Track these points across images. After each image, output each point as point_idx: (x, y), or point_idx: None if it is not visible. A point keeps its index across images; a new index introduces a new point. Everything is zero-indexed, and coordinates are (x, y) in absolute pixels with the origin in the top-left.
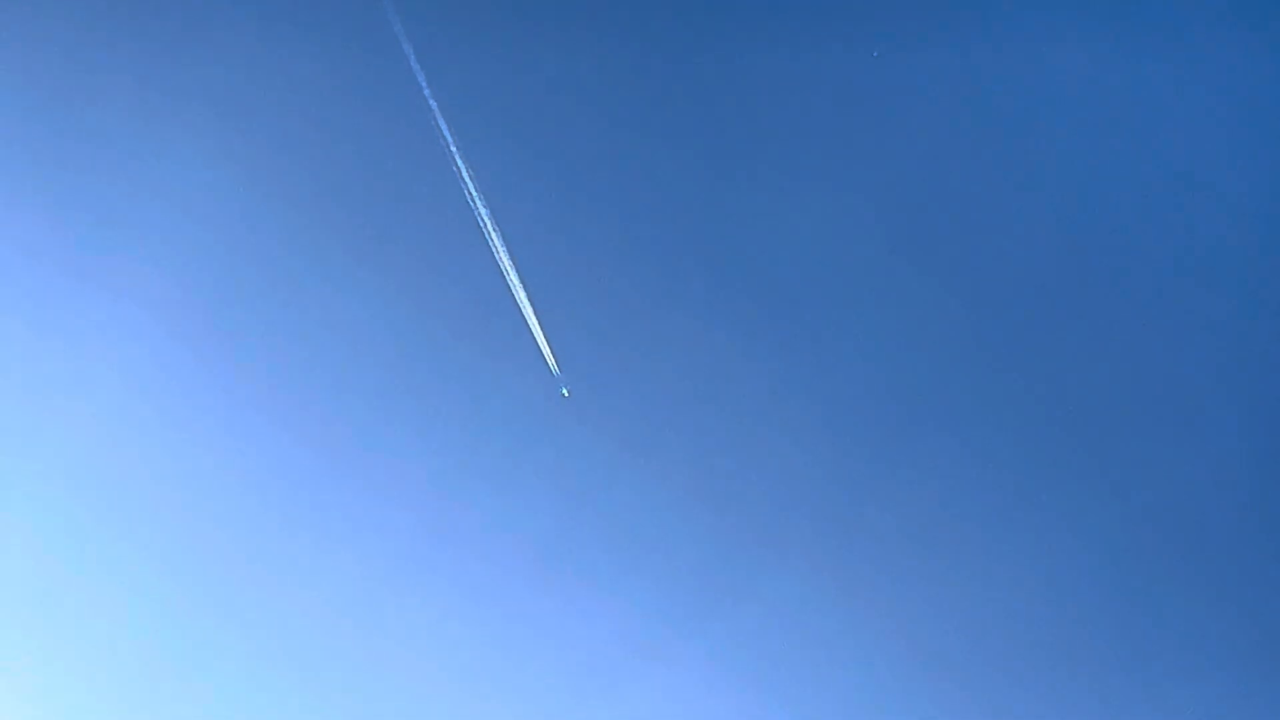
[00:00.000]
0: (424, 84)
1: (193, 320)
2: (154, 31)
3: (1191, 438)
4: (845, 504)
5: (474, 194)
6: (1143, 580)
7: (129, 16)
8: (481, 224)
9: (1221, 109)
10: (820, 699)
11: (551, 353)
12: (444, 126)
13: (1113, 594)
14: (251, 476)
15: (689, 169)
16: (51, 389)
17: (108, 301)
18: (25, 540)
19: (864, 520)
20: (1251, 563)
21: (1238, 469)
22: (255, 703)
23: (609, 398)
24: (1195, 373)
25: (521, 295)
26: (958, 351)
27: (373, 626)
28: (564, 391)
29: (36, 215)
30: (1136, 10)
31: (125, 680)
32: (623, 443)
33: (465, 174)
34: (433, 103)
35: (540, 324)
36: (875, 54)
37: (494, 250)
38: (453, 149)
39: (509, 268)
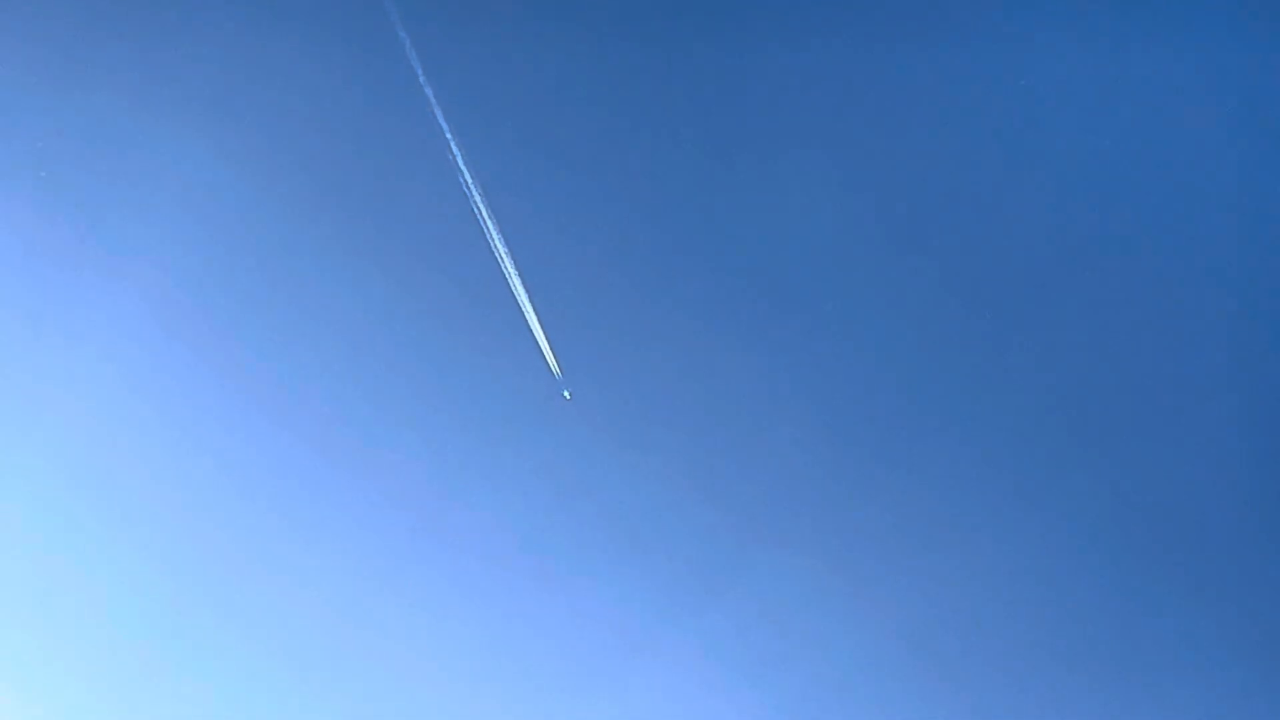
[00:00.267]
0: (424, 85)
1: (190, 317)
2: (150, 25)
3: (1191, 437)
4: (842, 500)
5: (473, 191)
6: (1142, 580)
7: (125, 10)
8: (481, 221)
9: (1222, 108)
10: (815, 694)
11: (552, 353)
12: (444, 126)
13: (1112, 593)
14: (249, 474)
15: (689, 168)
16: (48, 385)
17: (105, 297)
18: (20, 536)
19: (861, 517)
20: (1251, 563)
21: (1238, 469)
22: (249, 698)
23: (607, 395)
24: (1195, 372)
25: (521, 293)
26: (956, 349)
27: (369, 622)
28: (565, 394)
29: (33, 211)
30: (1136, 10)
31: (121, 677)
32: (621, 440)
33: (464, 171)
34: (433, 102)
35: (540, 322)
36: (874, 54)
37: (493, 248)
38: (452, 146)
39: (508, 265)
